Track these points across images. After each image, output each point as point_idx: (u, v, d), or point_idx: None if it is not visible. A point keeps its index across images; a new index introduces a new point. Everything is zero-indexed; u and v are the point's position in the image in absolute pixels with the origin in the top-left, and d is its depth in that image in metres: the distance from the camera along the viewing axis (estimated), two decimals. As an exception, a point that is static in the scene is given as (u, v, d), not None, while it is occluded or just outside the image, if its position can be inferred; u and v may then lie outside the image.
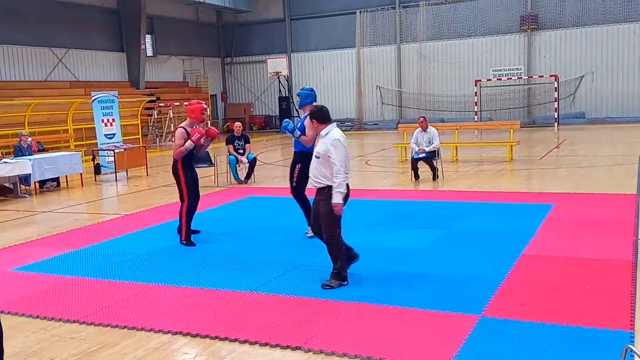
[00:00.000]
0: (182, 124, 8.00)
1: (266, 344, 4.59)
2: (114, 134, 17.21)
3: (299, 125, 7.58)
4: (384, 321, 4.93)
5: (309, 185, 6.48)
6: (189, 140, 7.70)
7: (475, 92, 26.93)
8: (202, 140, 7.85)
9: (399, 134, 21.15)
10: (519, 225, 8.10)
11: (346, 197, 5.79)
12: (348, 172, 5.81)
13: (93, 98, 17.07)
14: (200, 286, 6.06)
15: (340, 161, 5.67)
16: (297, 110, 33.53)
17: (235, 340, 4.70)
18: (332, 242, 5.89)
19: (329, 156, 5.71)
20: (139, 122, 24.86)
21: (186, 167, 7.89)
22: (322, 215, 5.84)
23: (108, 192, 13.59)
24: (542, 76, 27.08)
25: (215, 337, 4.77)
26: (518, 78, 27.51)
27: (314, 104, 7.45)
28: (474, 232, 7.86)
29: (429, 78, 30.30)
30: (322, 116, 5.96)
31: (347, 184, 5.80)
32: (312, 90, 7.89)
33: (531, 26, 28.00)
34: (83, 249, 7.92)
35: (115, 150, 15.38)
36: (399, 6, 30.51)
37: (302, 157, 7.54)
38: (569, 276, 5.90)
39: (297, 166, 7.69)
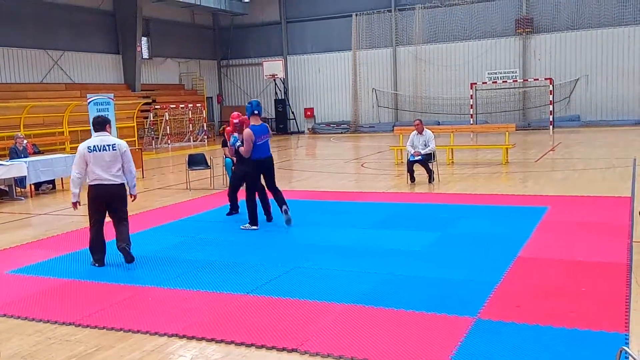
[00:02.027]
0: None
1: (262, 347, 4.60)
2: (109, 137, 17.16)
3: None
4: (380, 323, 4.93)
5: None
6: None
7: (471, 95, 26.97)
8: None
9: (394, 137, 21.17)
10: (514, 227, 8.12)
11: (104, 195, 6.87)
12: (101, 173, 6.79)
13: (89, 100, 17.08)
14: (196, 288, 6.06)
15: (74, 164, 6.87)
16: (292, 112, 33.62)
17: (231, 342, 4.70)
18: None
19: None
20: (135, 124, 24.86)
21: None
22: None
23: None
24: (537, 79, 27.16)
25: (211, 340, 4.78)
26: (513, 81, 27.57)
27: (255, 112, 8.56)
28: (470, 235, 7.87)
29: (425, 81, 30.36)
30: (93, 124, 7.01)
31: (100, 184, 6.80)
32: (249, 103, 8.76)
33: (526, 29, 28.11)
34: (78, 251, 7.90)
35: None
36: (395, 9, 30.58)
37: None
38: (564, 278, 5.92)
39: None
